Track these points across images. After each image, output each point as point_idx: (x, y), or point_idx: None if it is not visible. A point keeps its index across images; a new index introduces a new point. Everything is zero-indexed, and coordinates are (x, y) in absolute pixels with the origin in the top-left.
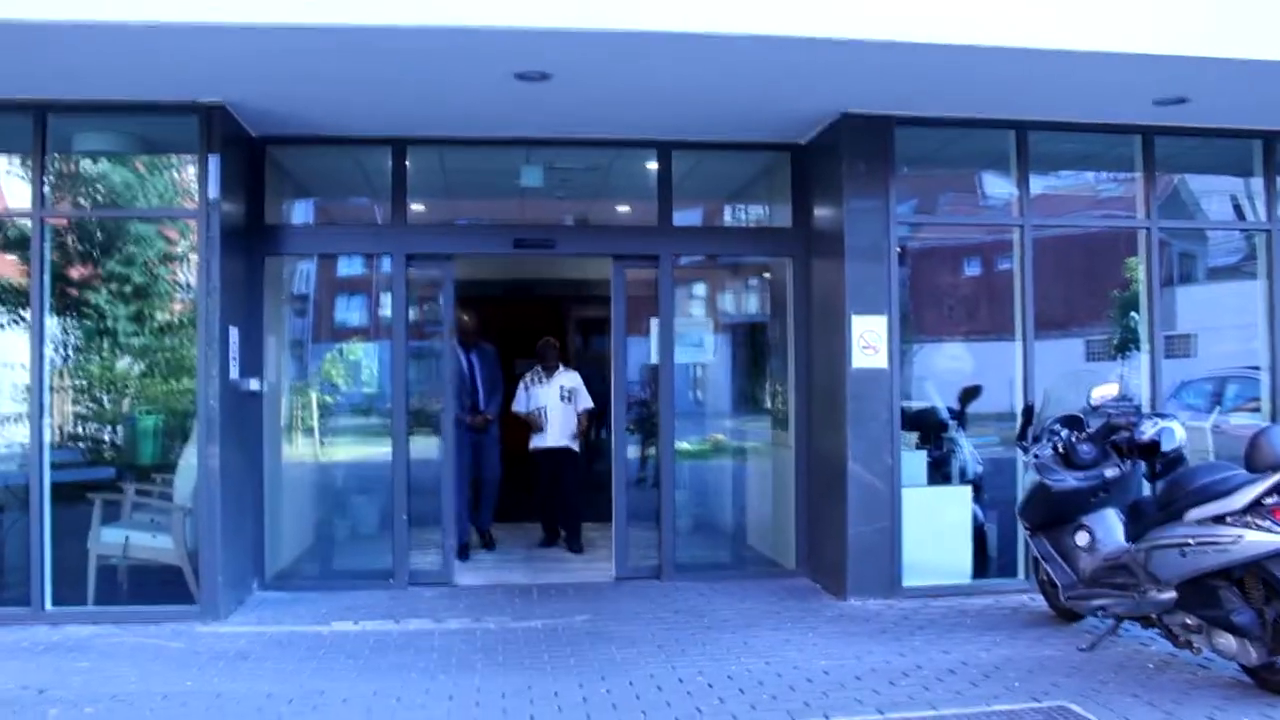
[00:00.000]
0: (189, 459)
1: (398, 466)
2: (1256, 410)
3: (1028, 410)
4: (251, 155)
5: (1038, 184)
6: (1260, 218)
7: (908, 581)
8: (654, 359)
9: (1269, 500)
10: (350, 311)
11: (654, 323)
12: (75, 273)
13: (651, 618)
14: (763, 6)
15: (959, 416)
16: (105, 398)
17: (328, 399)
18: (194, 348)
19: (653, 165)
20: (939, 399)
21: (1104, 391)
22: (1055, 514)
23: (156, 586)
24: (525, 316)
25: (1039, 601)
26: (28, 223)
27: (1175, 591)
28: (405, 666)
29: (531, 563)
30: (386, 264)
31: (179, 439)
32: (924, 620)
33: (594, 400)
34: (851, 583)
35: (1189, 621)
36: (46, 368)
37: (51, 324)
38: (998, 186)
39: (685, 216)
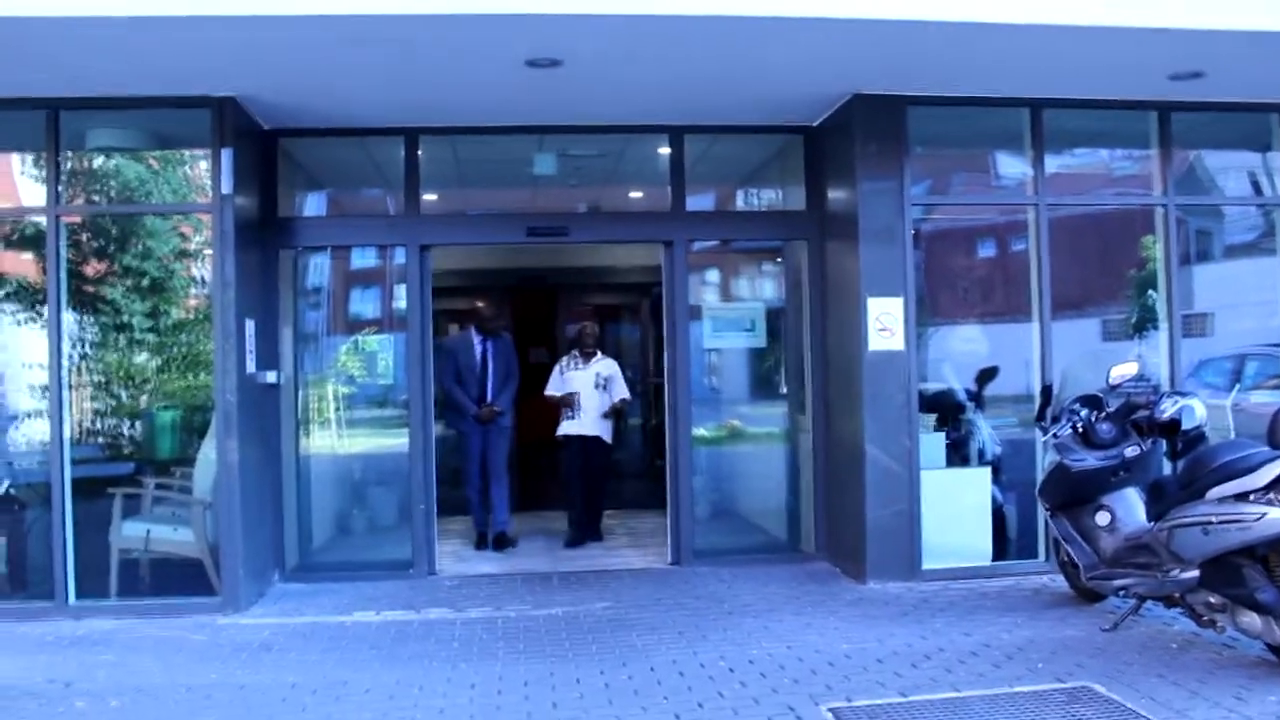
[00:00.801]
0: (208, 452)
1: (416, 457)
2: (1277, 388)
3: (1046, 390)
4: (264, 148)
5: (1053, 163)
6: (1278, 193)
7: (927, 564)
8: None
9: None
10: (365, 303)
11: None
12: (91, 269)
13: (672, 604)
14: None
15: (976, 398)
16: (123, 393)
17: (345, 390)
18: (210, 342)
19: (665, 150)
20: (956, 381)
21: (1123, 370)
22: (1075, 494)
23: (178, 579)
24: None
25: (1060, 583)
26: (43, 220)
27: (1198, 570)
28: (427, 656)
29: (551, 550)
30: (400, 255)
31: (197, 433)
32: (945, 603)
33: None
34: (871, 566)
35: (1213, 600)
36: (64, 364)
37: (68, 320)
38: (1012, 166)
39: (698, 201)
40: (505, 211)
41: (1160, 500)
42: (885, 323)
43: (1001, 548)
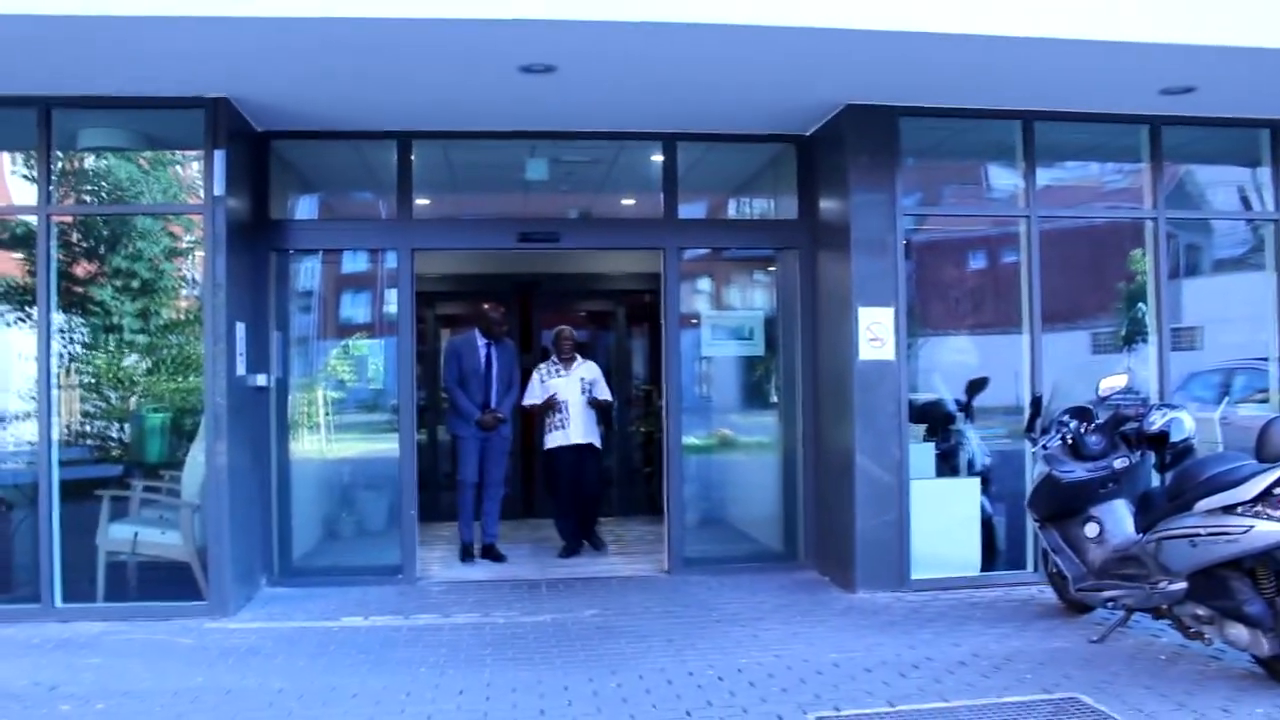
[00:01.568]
0: (196, 455)
1: (405, 462)
2: (1265, 401)
3: (1036, 401)
4: (256, 150)
5: (1044, 175)
6: (1268, 208)
7: (916, 574)
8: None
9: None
10: (356, 307)
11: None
12: (81, 270)
13: (660, 612)
14: None
15: (966, 408)
16: (112, 395)
17: (334, 395)
18: (200, 344)
19: (658, 158)
20: (946, 391)
21: (1112, 383)
22: (1064, 505)
23: (165, 583)
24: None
25: (1048, 594)
26: (33, 220)
27: (1186, 582)
28: (415, 661)
29: (540, 558)
30: (392, 259)
31: (186, 435)
32: (933, 613)
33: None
34: (860, 576)
35: (1200, 612)
36: (53, 365)
37: (58, 321)
38: (1004, 178)
39: (690, 209)
40: (497, 217)
41: (1148, 512)
42: (876, 332)
43: (990, 558)
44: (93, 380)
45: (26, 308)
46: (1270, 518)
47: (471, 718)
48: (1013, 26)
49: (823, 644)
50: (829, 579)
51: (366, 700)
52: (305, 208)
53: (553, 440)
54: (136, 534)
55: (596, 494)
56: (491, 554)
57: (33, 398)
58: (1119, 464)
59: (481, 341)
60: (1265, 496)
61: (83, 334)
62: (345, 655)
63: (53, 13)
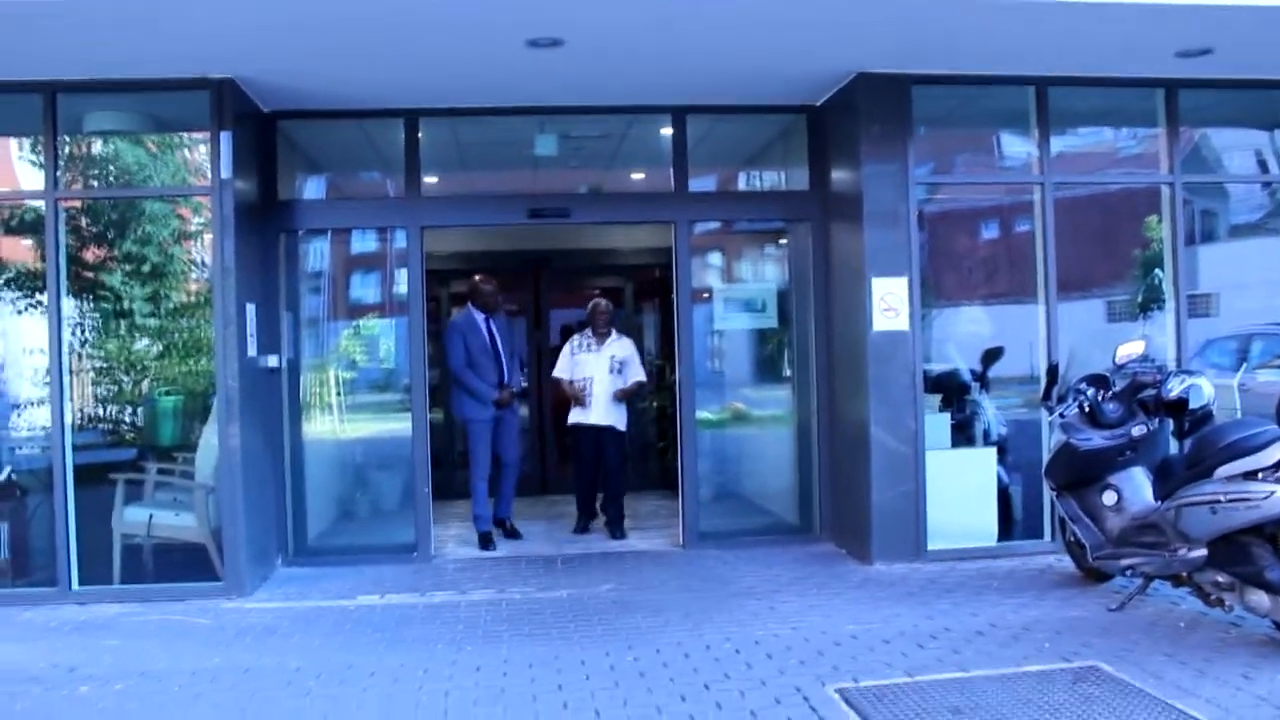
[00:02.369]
0: (209, 437)
1: (418, 441)
2: None
3: (1052, 370)
4: (263, 130)
5: (1058, 142)
6: None
7: (933, 545)
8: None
9: None
10: (366, 287)
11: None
12: (90, 254)
13: (677, 586)
14: None
15: (981, 379)
16: (124, 379)
17: (346, 375)
18: (211, 326)
19: (667, 131)
20: (961, 361)
21: (1129, 350)
22: (1082, 474)
23: (181, 565)
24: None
25: (1066, 562)
26: (41, 205)
27: (1206, 549)
28: (431, 639)
29: (555, 534)
30: (401, 237)
31: (199, 418)
32: (951, 583)
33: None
34: (876, 547)
35: (1220, 579)
36: (65, 350)
37: (68, 307)
38: (1018, 145)
39: (701, 182)
40: (507, 193)
41: (1167, 479)
42: (890, 303)
43: (1007, 528)
44: (104, 365)
45: (37, 294)
46: None
47: (489, 693)
48: None
49: (840, 616)
50: (845, 551)
51: (384, 678)
52: (313, 188)
53: (573, 416)
54: (151, 516)
55: (618, 481)
56: (506, 531)
57: (45, 383)
58: (1137, 431)
59: (480, 317)
60: None
61: (93, 319)
62: (362, 633)
63: None
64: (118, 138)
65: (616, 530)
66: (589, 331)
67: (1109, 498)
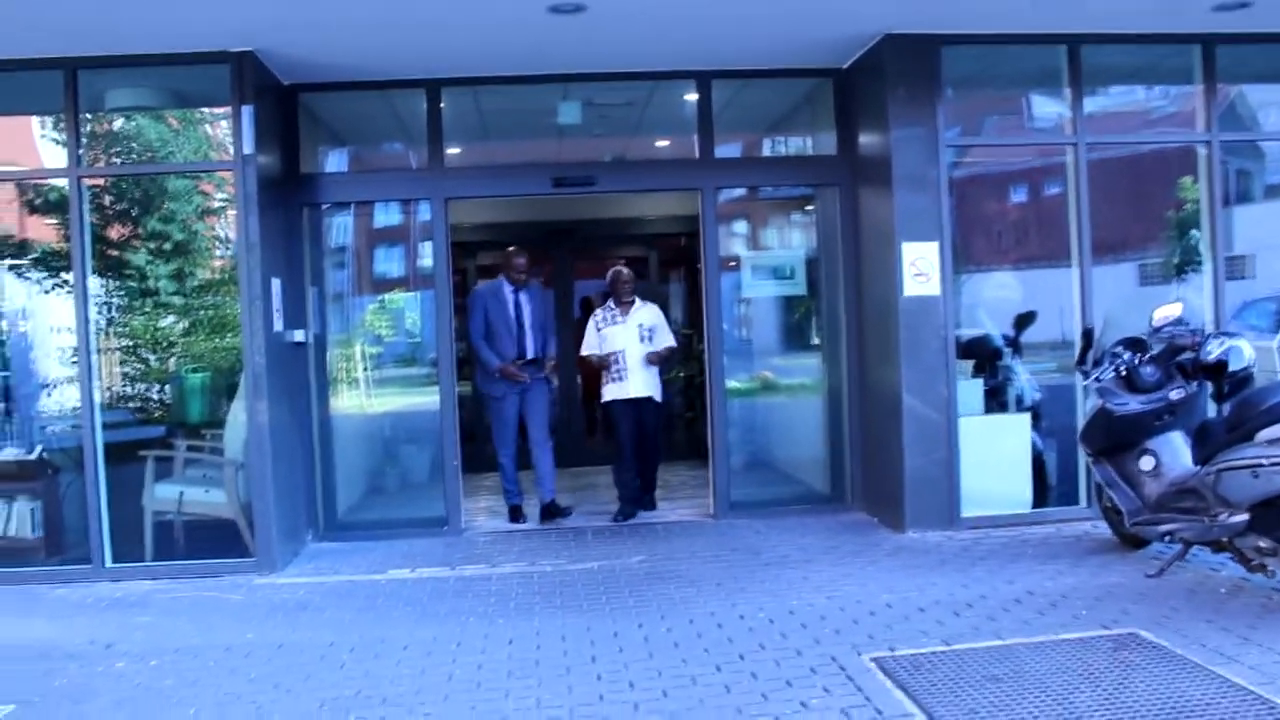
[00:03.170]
0: (238, 414)
1: (446, 414)
2: None
3: (1087, 333)
4: (284, 104)
5: (1091, 102)
6: None
7: (967, 512)
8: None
9: None
10: (391, 260)
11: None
12: (114, 233)
13: (709, 556)
14: None
15: (1014, 343)
16: (151, 357)
17: (372, 349)
18: (236, 302)
19: (692, 97)
20: (993, 326)
21: (1166, 312)
22: (1118, 439)
23: (212, 541)
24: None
25: (1102, 529)
26: (65, 183)
27: (1247, 514)
28: (463, 612)
29: (585, 505)
30: (425, 209)
31: (226, 394)
32: (985, 551)
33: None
34: (910, 515)
35: (1262, 545)
36: (92, 330)
37: (94, 285)
38: (1049, 106)
39: (727, 148)
40: (530, 162)
41: (1206, 443)
42: (921, 268)
43: (1042, 495)
44: (131, 343)
45: (63, 273)
46: None
47: (523, 665)
48: None
49: (874, 584)
50: (878, 520)
51: (417, 651)
52: (336, 161)
53: (610, 393)
54: (182, 493)
55: (655, 451)
56: (552, 512)
57: (73, 362)
58: (1175, 395)
59: (509, 289)
60: None
61: (119, 297)
62: (394, 607)
63: None
64: (139, 114)
65: (647, 501)
66: (612, 303)
67: (1146, 463)
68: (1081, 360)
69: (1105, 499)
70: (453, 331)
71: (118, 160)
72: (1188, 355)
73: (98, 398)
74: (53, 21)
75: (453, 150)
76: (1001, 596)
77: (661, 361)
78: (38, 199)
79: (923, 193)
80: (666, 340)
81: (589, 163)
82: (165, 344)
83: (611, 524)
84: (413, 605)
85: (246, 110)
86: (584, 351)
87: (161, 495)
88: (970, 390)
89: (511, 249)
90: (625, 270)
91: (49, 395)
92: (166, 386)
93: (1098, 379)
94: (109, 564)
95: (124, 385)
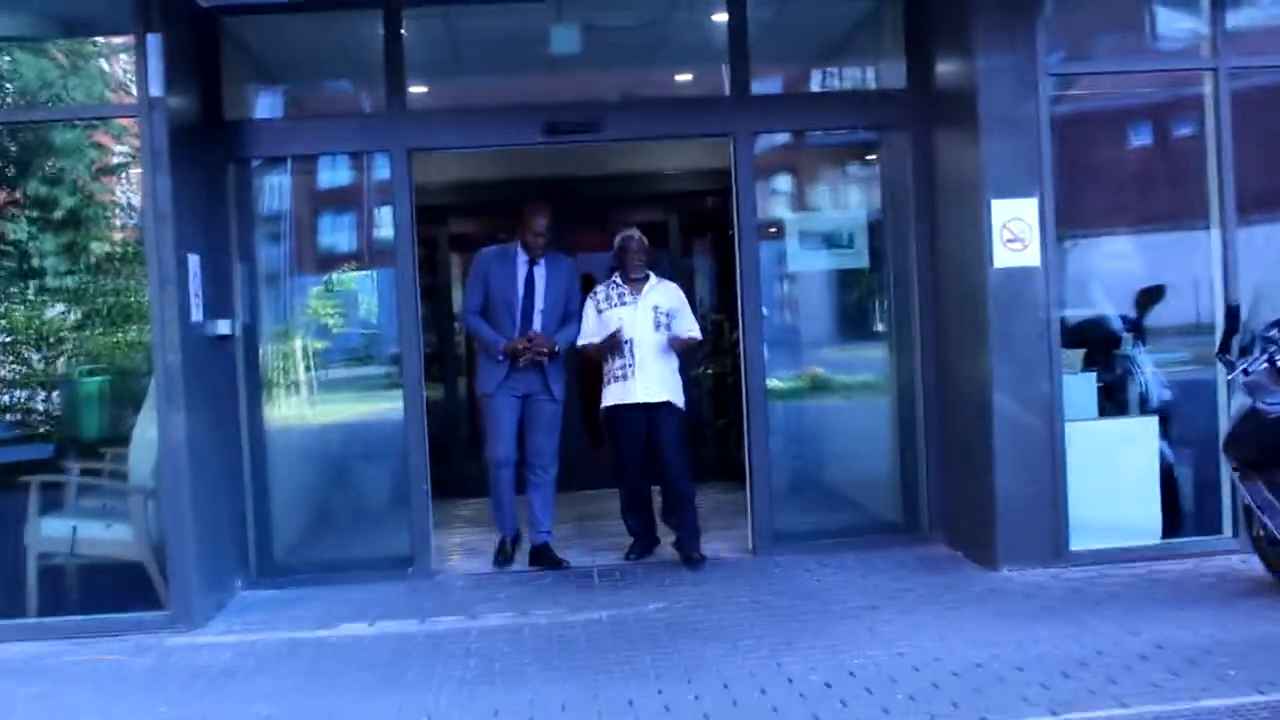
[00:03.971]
0: (146, 428)
1: (412, 424)
2: None
3: (1232, 314)
4: (202, 33)
5: (1236, 16)
6: None
7: (1078, 544)
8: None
9: None
10: (340, 230)
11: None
12: None
13: (747, 602)
14: None
15: (1136, 328)
16: (35, 356)
17: (318, 344)
18: (144, 286)
19: (722, 18)
20: (1109, 306)
21: None
22: (1274, 449)
23: (114, 590)
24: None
25: (1253, 564)
26: None
27: None
28: (436, 677)
29: (588, 538)
30: (383, 165)
31: (132, 403)
32: (1102, 593)
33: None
34: (1003, 548)
35: None
36: None
37: None
38: (1180, 21)
39: (766, 84)
40: (517, 104)
41: None
42: (1015, 231)
43: (1174, 521)
44: (8, 339)
45: None
46: None
47: None
48: None
49: (959, 638)
50: (962, 553)
51: None
52: (269, 104)
53: (611, 395)
54: (75, 529)
55: (684, 478)
56: (544, 558)
57: None
58: None
59: (522, 259)
60: None
61: None
62: (347, 673)
63: None
64: (15, 47)
65: (692, 549)
66: (618, 278)
67: None
68: (1224, 348)
69: (1257, 526)
70: (419, 319)
71: None
72: None
73: None
74: None
75: (417, 89)
76: (1124, 652)
77: (684, 355)
78: None
79: (1017, 136)
80: (690, 329)
81: (591, 103)
82: (53, 339)
83: (623, 562)
84: (371, 669)
85: (153, 40)
86: (581, 340)
87: (49, 533)
88: (1080, 387)
89: (531, 205)
90: (637, 236)
91: None
92: (55, 394)
93: (1245, 371)
94: None
95: None
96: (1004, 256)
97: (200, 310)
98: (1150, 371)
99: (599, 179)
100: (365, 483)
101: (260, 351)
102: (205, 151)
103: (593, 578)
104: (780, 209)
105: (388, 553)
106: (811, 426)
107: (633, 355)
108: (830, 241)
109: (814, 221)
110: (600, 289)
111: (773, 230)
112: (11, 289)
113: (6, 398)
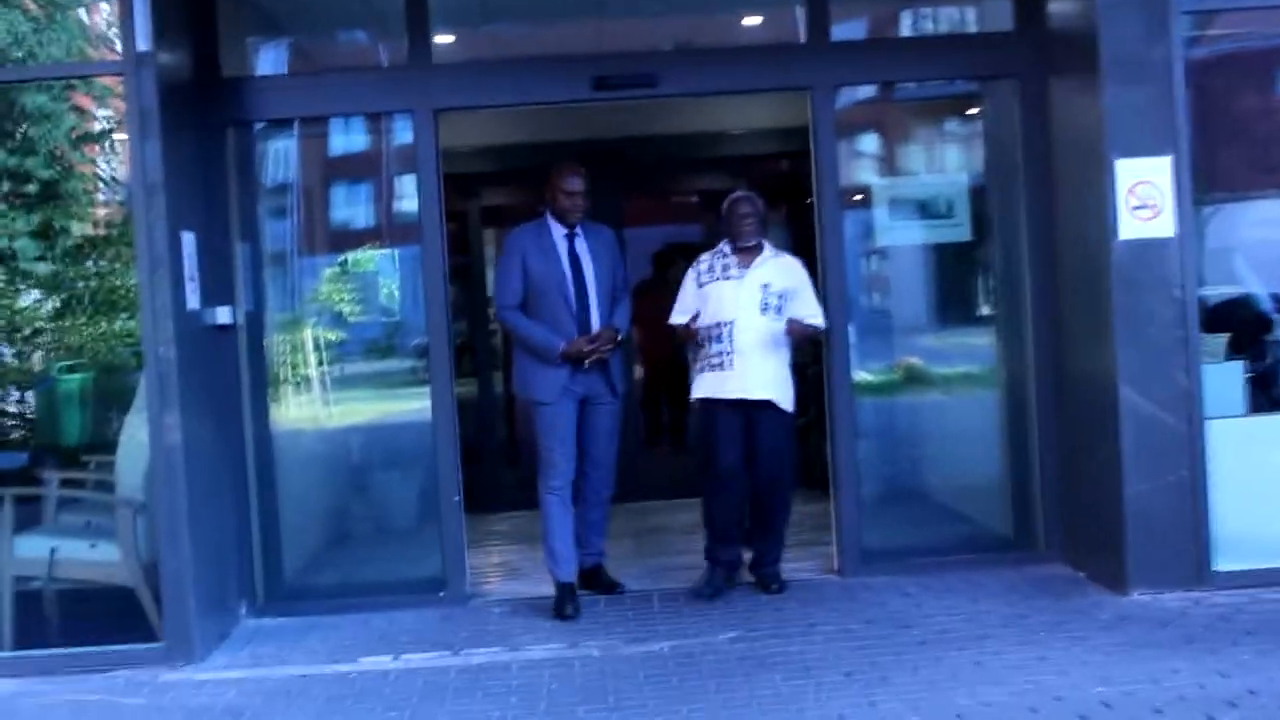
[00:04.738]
0: (135, 432)
1: (442, 426)
2: None
3: None
4: None
5: None
6: None
7: (1223, 564)
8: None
9: None
10: (356, 203)
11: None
12: None
13: (834, 631)
14: None
15: None
16: (8, 351)
17: (332, 334)
18: (131, 270)
19: None
20: (1258, 282)
21: None
22: None
23: (101, 619)
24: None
25: None
26: None
27: None
28: (472, 717)
29: (647, 558)
30: (405, 127)
31: (119, 404)
32: (1252, 622)
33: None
34: (1134, 569)
35: None
36: None
37: None
38: None
39: (848, 28)
40: (560, 55)
41: None
42: (1144, 197)
43: None
44: None
45: None
46: None
47: None
48: None
49: (1082, 672)
50: (1085, 574)
51: None
52: (273, 59)
53: (703, 386)
54: (54, 550)
55: (781, 495)
56: (597, 581)
57: None
58: None
59: (560, 232)
60: None
61: None
62: (369, 713)
63: None
64: None
65: (771, 575)
66: (725, 246)
67: None
68: None
69: None
70: (448, 305)
71: None
72: None
73: None
74: None
75: (444, 39)
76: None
77: (801, 339)
78: None
79: (1146, 84)
80: (810, 314)
81: (645, 54)
82: (28, 332)
83: (684, 586)
84: (397, 710)
85: None
86: (675, 318)
87: (25, 554)
88: (1224, 379)
89: (562, 166)
90: (748, 199)
91: None
92: (30, 394)
93: None
94: None
95: None
96: (1131, 226)
97: (197, 296)
98: None
99: (654, 140)
100: (388, 494)
101: (266, 343)
102: (201, 114)
103: (652, 603)
104: (867, 174)
105: (415, 574)
106: (906, 426)
107: (731, 341)
108: (926, 210)
109: (906, 188)
110: (705, 257)
111: (858, 198)
112: None
113: None
